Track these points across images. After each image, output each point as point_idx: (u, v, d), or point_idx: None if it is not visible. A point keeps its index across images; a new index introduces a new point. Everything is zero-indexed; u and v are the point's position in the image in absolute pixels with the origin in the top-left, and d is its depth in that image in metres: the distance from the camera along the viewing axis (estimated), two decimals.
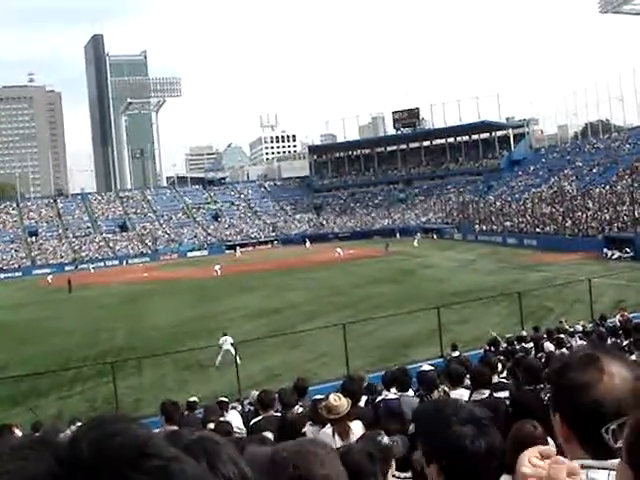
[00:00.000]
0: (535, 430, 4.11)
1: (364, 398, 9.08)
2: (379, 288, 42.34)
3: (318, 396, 9.67)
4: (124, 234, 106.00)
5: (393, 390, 8.66)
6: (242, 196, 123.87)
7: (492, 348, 16.92)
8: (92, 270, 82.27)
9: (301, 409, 8.82)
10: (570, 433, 1.80)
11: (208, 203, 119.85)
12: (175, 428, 8.35)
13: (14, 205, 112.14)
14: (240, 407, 14.66)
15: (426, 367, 10.94)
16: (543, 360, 12.39)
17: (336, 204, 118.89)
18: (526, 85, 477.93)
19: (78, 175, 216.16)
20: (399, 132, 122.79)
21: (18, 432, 9.11)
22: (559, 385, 1.92)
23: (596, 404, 1.70)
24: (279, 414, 8.19)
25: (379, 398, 8.63)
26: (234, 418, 10.71)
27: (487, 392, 7.65)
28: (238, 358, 22.54)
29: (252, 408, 13.02)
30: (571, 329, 19.33)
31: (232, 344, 24.69)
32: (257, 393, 9.90)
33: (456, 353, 17.37)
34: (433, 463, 2.11)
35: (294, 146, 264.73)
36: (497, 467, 2.14)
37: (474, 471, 2.08)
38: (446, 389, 8.52)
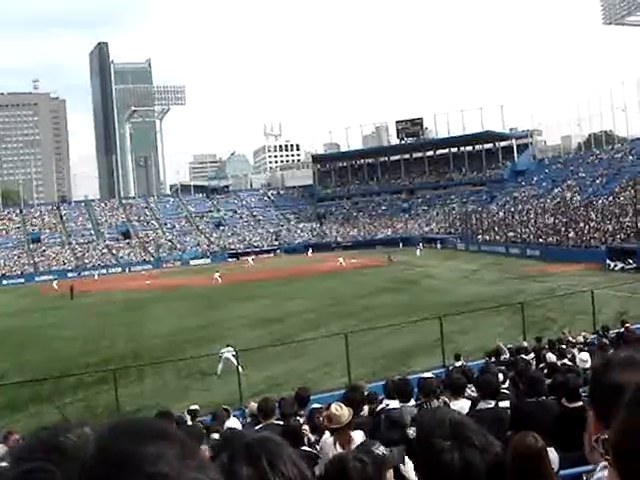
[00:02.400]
0: (536, 442, 4.08)
1: (366, 408, 9.07)
2: (381, 298, 42.30)
3: (316, 405, 9.67)
4: (127, 241, 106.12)
5: (394, 400, 8.64)
6: (245, 204, 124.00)
7: (493, 358, 16.88)
8: (96, 277, 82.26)
9: (302, 419, 8.81)
10: (602, 430, 1.83)
11: (211, 211, 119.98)
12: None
13: (17, 211, 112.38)
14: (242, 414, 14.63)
15: (427, 375, 10.93)
16: (545, 371, 12.38)
17: (339, 213, 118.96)
18: (530, 96, 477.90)
19: (81, 182, 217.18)
20: (403, 142, 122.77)
21: (17, 437, 9.10)
22: (598, 384, 1.93)
23: None
24: (280, 422, 8.17)
25: (380, 407, 8.62)
26: (234, 425, 10.71)
27: (493, 402, 7.64)
28: (241, 368, 22.62)
29: (249, 420, 13.00)
30: (573, 340, 19.29)
31: (233, 355, 24.81)
32: (256, 404, 9.88)
33: (459, 363, 17.32)
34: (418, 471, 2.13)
35: (297, 155, 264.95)
36: None
37: None
38: (447, 400, 8.50)
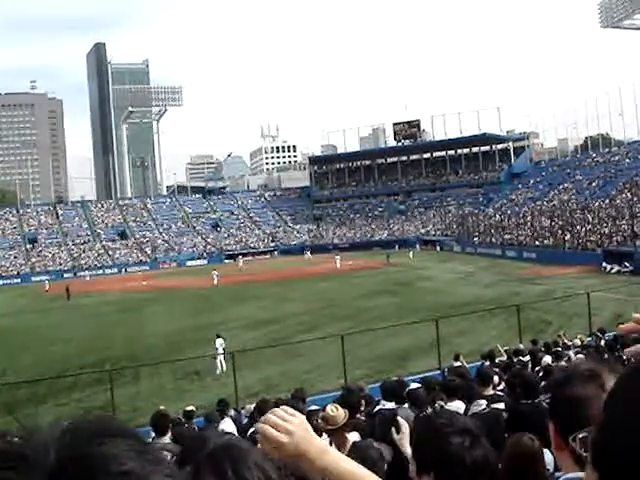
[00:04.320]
0: (533, 444, 4.10)
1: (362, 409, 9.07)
2: (378, 299, 42.31)
3: (314, 407, 9.67)
4: (123, 242, 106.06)
5: (390, 402, 8.65)
6: (242, 206, 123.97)
7: (488, 361, 16.89)
8: (88, 278, 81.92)
9: None
10: (562, 443, 1.84)
11: (208, 212, 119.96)
12: (167, 441, 8.33)
13: (14, 212, 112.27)
14: (234, 414, 14.61)
15: (414, 385, 10.87)
16: (541, 374, 12.39)
17: (336, 215, 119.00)
18: (527, 98, 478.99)
19: (78, 183, 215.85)
20: (399, 144, 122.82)
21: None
22: (558, 396, 1.95)
23: (592, 420, 1.73)
24: None
25: (376, 409, 8.63)
26: (228, 426, 10.72)
27: (484, 403, 7.65)
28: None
29: (246, 421, 13.00)
30: (570, 343, 19.31)
31: (224, 348, 25.24)
32: (252, 406, 9.88)
33: (457, 363, 17.35)
34: (427, 474, 2.12)
35: (294, 156, 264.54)
36: (490, 479, 2.15)
37: None
38: (442, 403, 8.51)
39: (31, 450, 0.84)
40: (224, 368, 25.01)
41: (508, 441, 4.21)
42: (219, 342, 26.20)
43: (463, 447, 2.10)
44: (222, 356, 25.46)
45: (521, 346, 19.79)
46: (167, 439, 8.16)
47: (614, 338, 18.84)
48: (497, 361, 16.99)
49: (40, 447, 0.83)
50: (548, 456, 4.17)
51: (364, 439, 6.43)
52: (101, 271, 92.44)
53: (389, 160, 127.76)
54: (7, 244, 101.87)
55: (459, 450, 2.09)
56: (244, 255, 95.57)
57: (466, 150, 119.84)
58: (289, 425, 1.68)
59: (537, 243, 68.62)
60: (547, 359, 15.18)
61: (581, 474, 1.71)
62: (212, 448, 1.44)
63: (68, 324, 42.38)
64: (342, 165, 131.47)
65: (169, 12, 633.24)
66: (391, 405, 8.28)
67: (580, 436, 1.64)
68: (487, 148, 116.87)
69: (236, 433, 9.86)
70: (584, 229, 63.39)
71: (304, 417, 1.74)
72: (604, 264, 51.98)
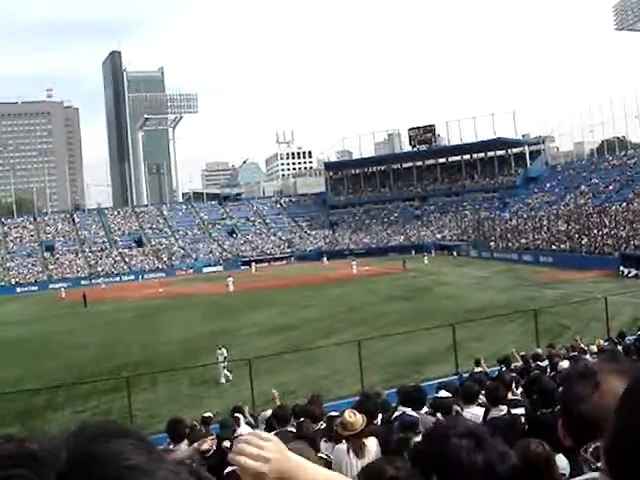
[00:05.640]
0: (542, 449, 4.11)
1: (379, 415, 9.08)
2: (394, 305, 42.30)
3: (334, 413, 9.68)
4: (140, 249, 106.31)
5: (408, 408, 8.66)
6: (258, 212, 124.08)
7: (503, 366, 16.85)
8: (103, 285, 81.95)
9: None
10: (569, 440, 1.90)
11: (224, 219, 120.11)
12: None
13: (31, 219, 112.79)
14: (251, 420, 14.64)
15: (442, 393, 10.88)
16: (558, 379, 12.34)
17: (352, 221, 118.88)
18: (542, 102, 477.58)
19: (95, 190, 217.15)
20: (415, 149, 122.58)
21: None
22: (561, 394, 2.01)
23: (585, 417, 1.78)
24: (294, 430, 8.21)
25: (395, 415, 8.63)
26: (245, 431, 10.74)
27: (505, 408, 7.65)
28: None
29: (262, 427, 13.02)
30: (586, 348, 19.23)
31: (225, 357, 25.40)
32: (269, 413, 9.88)
33: (479, 369, 17.34)
34: (429, 478, 2.14)
35: (310, 162, 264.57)
36: None
37: None
38: (459, 409, 8.52)
39: (43, 451, 0.88)
40: (229, 377, 25.24)
41: (517, 447, 4.22)
42: (220, 353, 26.28)
43: (464, 450, 2.11)
44: (222, 365, 25.65)
45: (539, 350, 19.71)
46: (184, 446, 8.15)
47: (634, 342, 18.75)
48: (512, 366, 16.96)
49: (51, 448, 0.87)
50: (563, 461, 4.18)
51: (382, 445, 6.45)
52: (118, 278, 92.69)
53: (404, 165, 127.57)
54: (25, 252, 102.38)
55: (459, 453, 2.10)
56: (260, 262, 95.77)
57: (481, 155, 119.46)
58: (266, 452, 1.61)
59: (554, 247, 68.30)
60: (564, 364, 15.11)
61: (592, 475, 1.74)
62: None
63: (85, 331, 42.59)
64: (357, 171, 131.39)
65: (184, 20, 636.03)
66: (409, 412, 8.29)
67: (592, 447, 1.67)
68: (503, 152, 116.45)
69: None
70: (601, 233, 63.11)
71: (277, 439, 1.71)
72: (621, 268, 51.73)
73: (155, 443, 0.87)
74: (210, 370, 26.04)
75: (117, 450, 0.89)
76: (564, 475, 4.17)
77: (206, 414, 14.40)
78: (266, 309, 45.18)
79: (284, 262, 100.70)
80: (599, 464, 1.38)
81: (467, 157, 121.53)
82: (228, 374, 25.51)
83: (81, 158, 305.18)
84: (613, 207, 69.07)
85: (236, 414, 13.18)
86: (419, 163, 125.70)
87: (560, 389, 2.15)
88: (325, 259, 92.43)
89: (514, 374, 14.02)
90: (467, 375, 17.49)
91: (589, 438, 1.71)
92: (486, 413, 8.07)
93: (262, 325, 38.42)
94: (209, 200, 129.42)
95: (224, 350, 26.35)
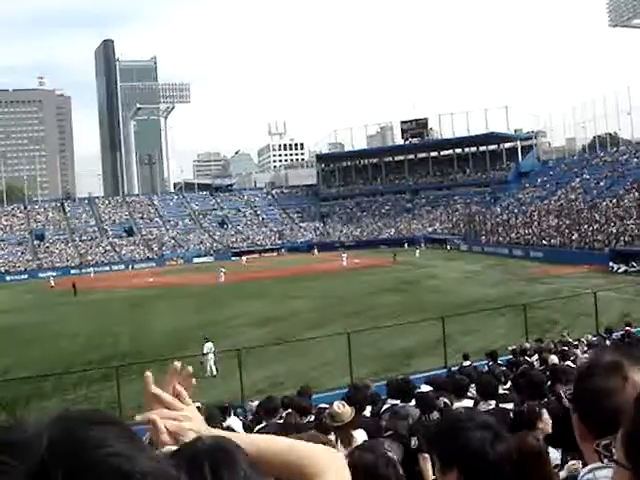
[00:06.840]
0: (537, 442, 4.10)
1: (368, 408, 9.08)
2: (384, 297, 42.31)
3: (322, 405, 9.67)
4: (130, 239, 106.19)
5: (397, 400, 8.65)
6: (249, 203, 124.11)
7: (491, 360, 16.86)
8: (92, 275, 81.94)
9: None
10: (587, 434, 1.85)
11: (215, 209, 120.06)
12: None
13: (21, 208, 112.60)
14: (240, 411, 14.63)
15: (424, 388, 10.85)
16: (547, 373, 12.37)
17: (343, 213, 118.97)
18: (535, 98, 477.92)
19: (86, 179, 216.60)
20: (407, 142, 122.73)
21: None
22: (582, 388, 1.96)
23: (616, 411, 1.73)
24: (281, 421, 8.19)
25: (384, 407, 8.63)
26: (234, 423, 10.72)
27: (493, 403, 7.65)
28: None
29: (251, 418, 13.02)
30: (575, 342, 19.27)
31: (214, 352, 25.27)
32: (256, 403, 9.86)
33: (467, 362, 17.34)
34: (451, 470, 2.13)
35: (302, 154, 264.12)
36: (510, 473, 2.17)
37: (494, 475, 2.10)
38: (447, 402, 8.50)
39: (25, 437, 0.87)
40: (214, 372, 25.11)
41: (512, 440, 4.20)
42: (207, 346, 26.06)
43: (485, 442, 2.11)
44: (212, 360, 25.48)
45: (527, 345, 19.73)
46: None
47: (621, 337, 18.82)
48: (499, 361, 16.98)
49: (33, 434, 0.87)
50: (554, 454, 4.17)
51: (370, 437, 6.43)
52: (108, 267, 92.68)
53: (396, 158, 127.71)
54: (14, 240, 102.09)
55: (481, 445, 2.10)
56: (250, 253, 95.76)
57: (473, 149, 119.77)
58: (183, 412, 1.59)
59: (544, 242, 68.44)
60: (553, 358, 15.14)
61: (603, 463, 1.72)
62: (197, 450, 1.35)
63: (74, 320, 42.46)
64: (349, 163, 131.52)
65: (177, 9, 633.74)
66: (397, 404, 8.28)
67: (604, 443, 1.64)
68: (495, 147, 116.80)
69: (242, 430, 9.87)
70: (591, 228, 63.26)
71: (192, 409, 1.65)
72: (611, 264, 51.87)
73: (139, 433, 1.00)
74: (198, 362, 25.98)
75: (99, 437, 0.89)
76: (556, 467, 4.17)
77: (196, 404, 14.37)
78: (255, 300, 45.10)
79: (274, 253, 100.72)
80: (611, 459, 1.39)
81: (459, 151, 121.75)
82: (214, 369, 25.33)
83: (72, 147, 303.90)
84: (604, 203, 69.21)
85: (225, 404, 13.17)
86: (411, 156, 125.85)
87: (577, 383, 2.07)
88: (316, 251, 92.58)
89: (503, 368, 14.04)
90: (455, 369, 17.50)
91: (615, 432, 1.68)
92: (475, 406, 8.05)
93: (252, 316, 38.35)
94: (200, 190, 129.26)
95: (211, 344, 26.20)
